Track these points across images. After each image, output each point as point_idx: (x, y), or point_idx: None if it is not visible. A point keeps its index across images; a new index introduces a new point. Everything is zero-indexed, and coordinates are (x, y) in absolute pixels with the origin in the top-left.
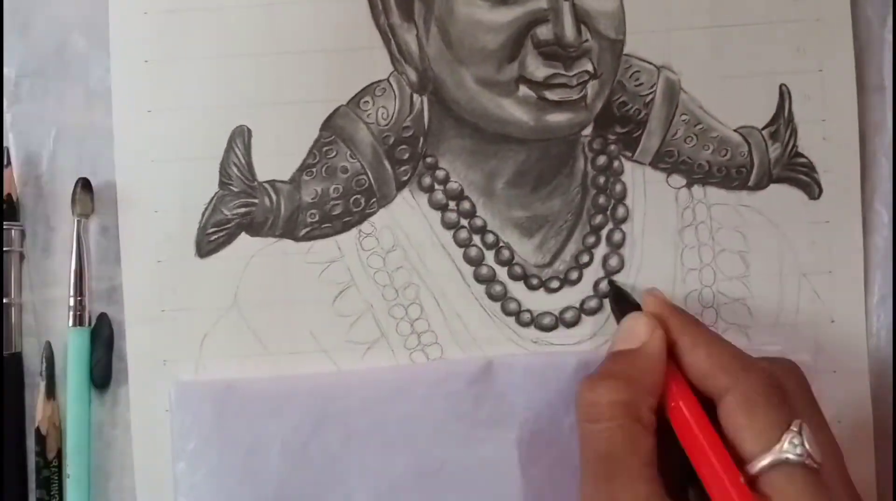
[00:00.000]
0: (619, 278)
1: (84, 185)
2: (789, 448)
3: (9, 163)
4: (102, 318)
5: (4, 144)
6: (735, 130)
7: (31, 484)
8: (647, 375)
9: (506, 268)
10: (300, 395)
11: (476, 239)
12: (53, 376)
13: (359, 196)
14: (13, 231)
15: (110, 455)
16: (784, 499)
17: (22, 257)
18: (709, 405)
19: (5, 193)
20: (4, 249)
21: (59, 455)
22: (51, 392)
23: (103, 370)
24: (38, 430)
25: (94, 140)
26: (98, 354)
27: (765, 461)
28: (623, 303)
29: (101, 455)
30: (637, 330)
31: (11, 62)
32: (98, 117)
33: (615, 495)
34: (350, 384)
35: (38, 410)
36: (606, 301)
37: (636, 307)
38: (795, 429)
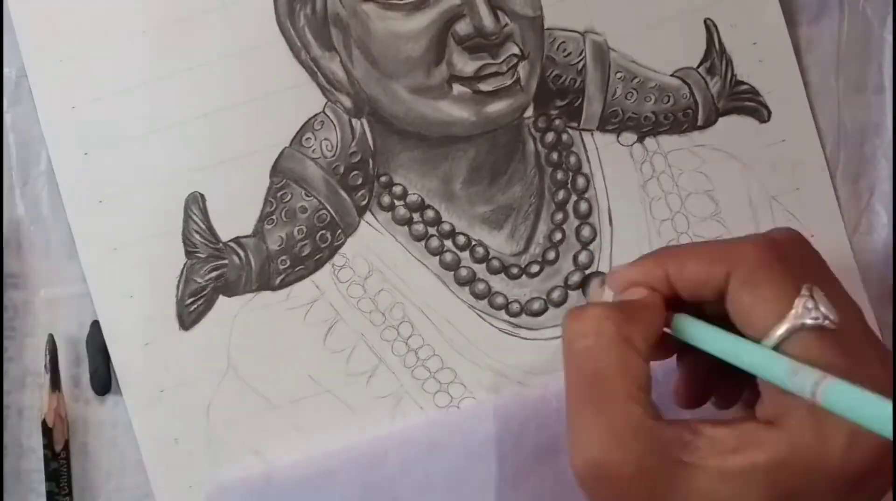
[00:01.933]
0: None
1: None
2: (803, 312)
3: None
4: (95, 326)
5: (4, 144)
6: (672, 75)
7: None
8: (642, 311)
9: (484, 264)
10: (339, 471)
11: (448, 244)
12: (57, 368)
13: (324, 231)
14: None
15: (111, 454)
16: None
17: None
18: None
19: None
20: None
21: (67, 447)
22: (55, 385)
23: (101, 378)
24: (44, 423)
25: None
26: (94, 362)
27: (779, 331)
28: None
29: (101, 455)
30: (634, 292)
31: (11, 62)
32: None
33: (610, 420)
34: (386, 449)
35: (44, 402)
36: (588, 272)
37: None
38: (807, 293)
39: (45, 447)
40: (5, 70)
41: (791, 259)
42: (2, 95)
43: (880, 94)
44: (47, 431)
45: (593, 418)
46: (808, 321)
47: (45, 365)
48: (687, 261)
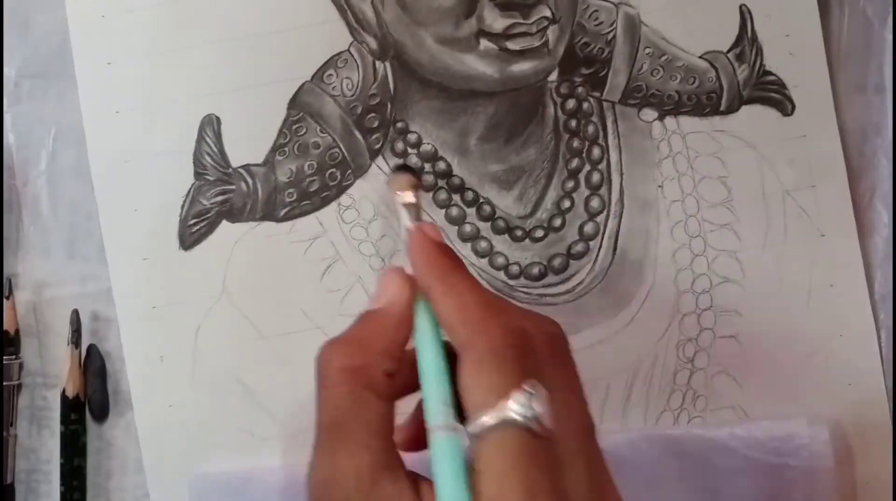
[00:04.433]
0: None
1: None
2: (517, 408)
3: (9, 294)
4: (92, 349)
5: (4, 144)
6: (700, 57)
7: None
8: (383, 336)
9: (489, 223)
10: None
11: (456, 198)
12: (80, 341)
13: (334, 170)
14: (13, 365)
15: (110, 453)
16: (497, 459)
17: (20, 388)
18: None
19: (5, 327)
20: (4, 382)
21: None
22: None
23: (99, 401)
24: (76, 397)
25: None
26: (92, 386)
27: (484, 420)
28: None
29: (101, 455)
30: (386, 289)
31: (11, 62)
32: None
33: (337, 465)
34: None
35: (66, 376)
36: (592, 243)
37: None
38: (529, 389)
39: (75, 422)
40: (5, 70)
41: (532, 350)
42: (2, 96)
43: (881, 93)
44: (78, 406)
45: (324, 459)
46: (518, 419)
47: (69, 340)
48: (448, 300)
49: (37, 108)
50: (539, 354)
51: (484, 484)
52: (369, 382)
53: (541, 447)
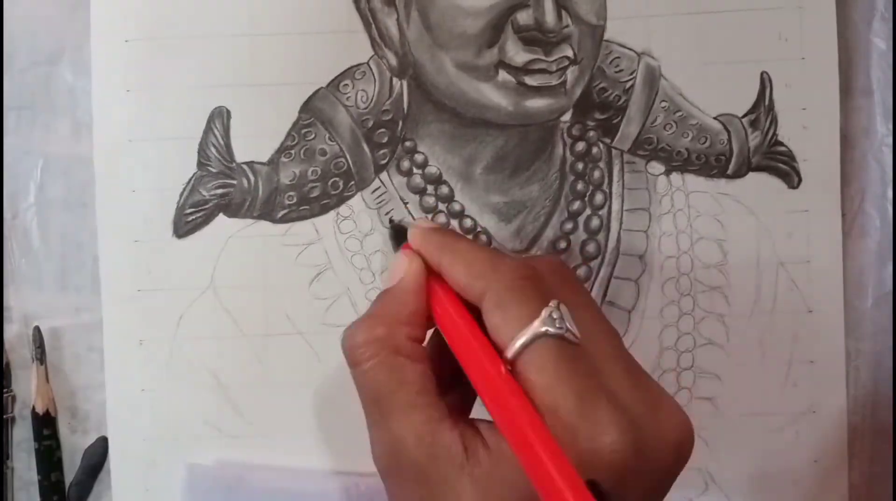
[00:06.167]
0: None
1: None
2: (548, 322)
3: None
4: (100, 442)
5: None
6: (715, 118)
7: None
8: (402, 306)
9: None
10: (311, 496)
11: (454, 224)
12: (45, 358)
13: (337, 179)
14: (7, 398)
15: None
16: (540, 370)
17: (14, 420)
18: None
19: None
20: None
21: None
22: (47, 375)
23: (79, 490)
24: (47, 413)
25: (81, 170)
26: (80, 475)
27: (519, 340)
28: (401, 239)
29: None
30: (396, 268)
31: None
32: (84, 148)
33: (394, 432)
34: (360, 494)
35: (35, 393)
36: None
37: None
38: (553, 305)
39: (47, 438)
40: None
41: (545, 281)
42: (1, 96)
43: (868, 96)
44: (49, 421)
45: (380, 432)
46: (551, 330)
47: (33, 356)
48: (456, 263)
49: (24, 140)
50: (550, 283)
51: (537, 397)
52: (397, 348)
53: (577, 353)
